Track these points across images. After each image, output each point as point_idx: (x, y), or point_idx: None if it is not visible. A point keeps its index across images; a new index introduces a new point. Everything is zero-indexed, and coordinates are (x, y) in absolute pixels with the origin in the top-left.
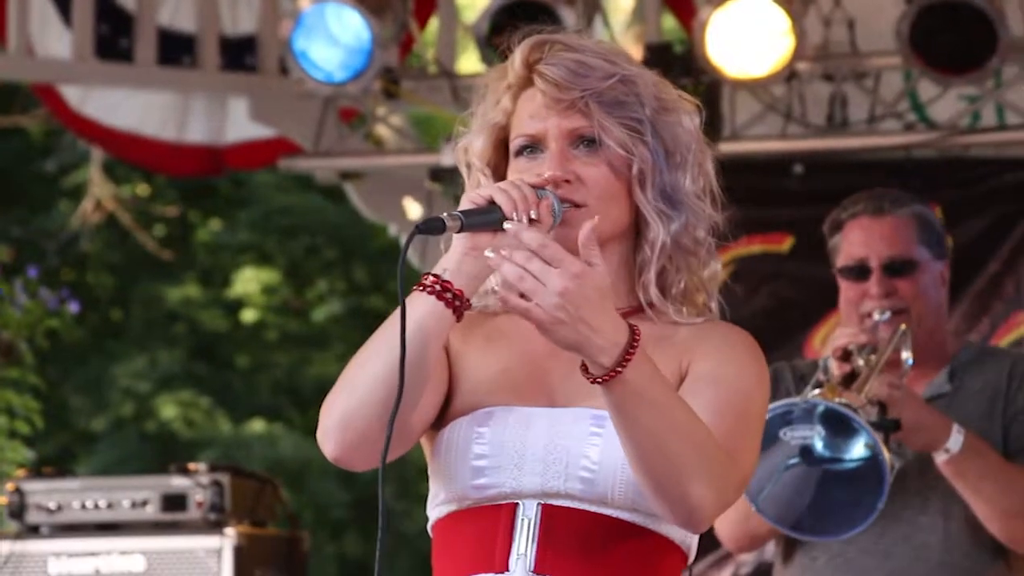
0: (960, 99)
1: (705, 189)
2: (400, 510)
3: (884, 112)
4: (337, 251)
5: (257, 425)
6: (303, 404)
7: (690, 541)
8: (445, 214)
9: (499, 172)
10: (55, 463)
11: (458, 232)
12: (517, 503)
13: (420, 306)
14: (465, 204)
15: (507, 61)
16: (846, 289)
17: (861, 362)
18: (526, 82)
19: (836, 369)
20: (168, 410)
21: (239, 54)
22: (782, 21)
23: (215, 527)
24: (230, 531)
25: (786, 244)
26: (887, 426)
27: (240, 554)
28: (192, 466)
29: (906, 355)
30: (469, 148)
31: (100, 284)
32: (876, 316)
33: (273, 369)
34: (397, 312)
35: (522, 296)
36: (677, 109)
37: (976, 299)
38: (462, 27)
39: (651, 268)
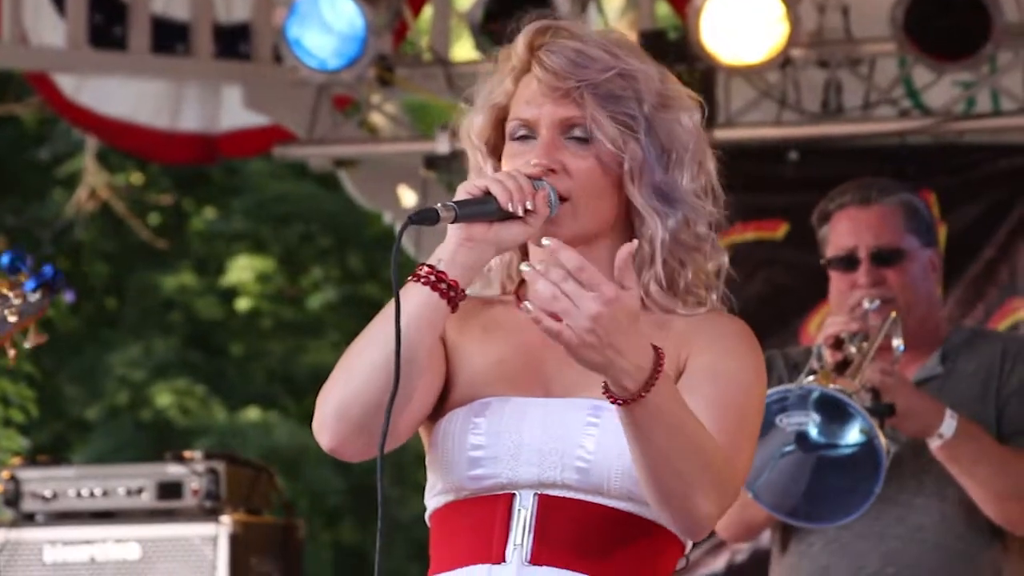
0: (955, 85)
1: (706, 187)
2: (396, 497)
3: (879, 98)
4: (332, 239)
5: (252, 413)
6: (298, 392)
7: None
8: (439, 204)
9: (497, 152)
10: (50, 451)
11: (452, 222)
12: (514, 494)
13: (415, 296)
14: (460, 194)
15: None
16: (836, 280)
17: (853, 349)
18: (528, 66)
19: (829, 357)
20: (163, 398)
21: (233, 42)
22: (776, 7)
23: (211, 515)
24: (226, 519)
25: (781, 231)
26: (882, 411)
27: (236, 542)
28: (188, 454)
29: (897, 342)
30: (470, 125)
31: (95, 273)
32: (866, 304)
33: (268, 357)
34: (392, 303)
35: (552, 315)
36: (677, 106)
37: (971, 285)
38: (456, 14)
39: (652, 266)
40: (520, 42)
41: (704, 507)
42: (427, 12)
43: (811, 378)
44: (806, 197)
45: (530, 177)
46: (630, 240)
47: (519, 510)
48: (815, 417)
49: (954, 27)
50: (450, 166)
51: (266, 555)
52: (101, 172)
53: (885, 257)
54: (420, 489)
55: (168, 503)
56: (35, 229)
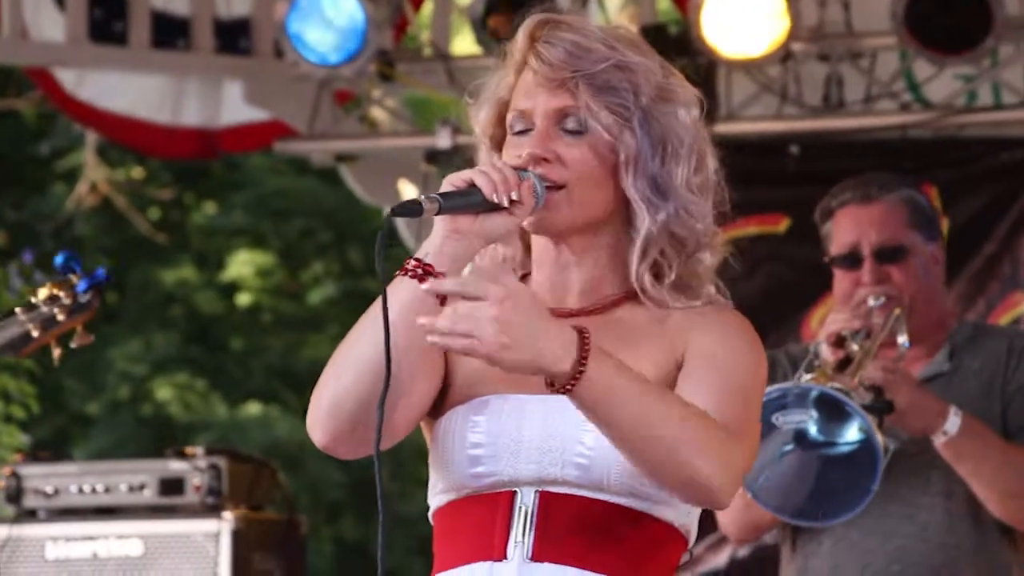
0: (956, 78)
1: (705, 182)
2: (396, 492)
3: (880, 92)
4: (332, 234)
5: (253, 408)
6: (298, 386)
7: (689, 525)
8: (423, 196)
9: (501, 146)
10: (51, 447)
11: (437, 215)
12: (515, 491)
13: (403, 291)
14: (446, 186)
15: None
16: (840, 278)
17: (855, 347)
18: (528, 58)
19: (830, 355)
20: (164, 393)
21: (233, 37)
22: (777, 1)
23: (213, 511)
24: (228, 515)
25: (782, 225)
26: (880, 408)
27: (238, 538)
28: (189, 450)
29: (902, 339)
30: (476, 120)
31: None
32: (871, 302)
33: (268, 352)
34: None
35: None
36: (677, 100)
37: (972, 279)
38: (457, 9)
39: (636, 255)
40: (521, 35)
41: (703, 466)
42: (428, 7)
43: (809, 376)
44: (807, 191)
45: (516, 168)
46: (630, 230)
47: (520, 507)
48: (814, 415)
49: (955, 20)
50: (451, 160)
51: (268, 551)
52: (101, 167)
53: (888, 254)
54: (420, 484)
55: (170, 499)
56: (36, 223)
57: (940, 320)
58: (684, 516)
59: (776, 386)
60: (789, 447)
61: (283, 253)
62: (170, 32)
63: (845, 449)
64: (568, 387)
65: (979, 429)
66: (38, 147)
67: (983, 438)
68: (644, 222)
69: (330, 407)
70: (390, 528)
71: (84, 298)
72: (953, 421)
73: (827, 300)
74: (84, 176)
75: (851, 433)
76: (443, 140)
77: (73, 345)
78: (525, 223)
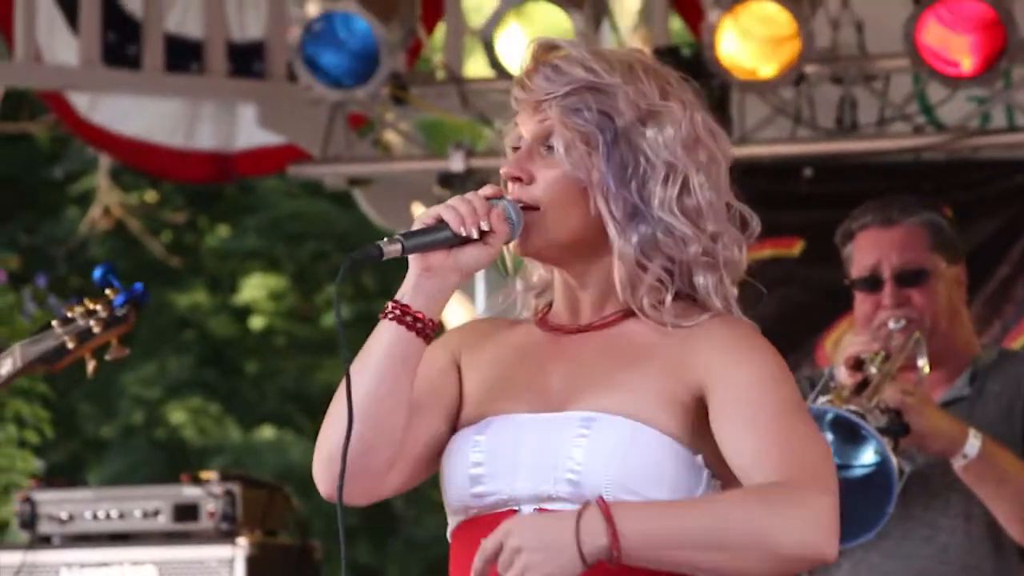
0: (969, 101)
1: (700, 204)
2: (411, 517)
3: (893, 115)
4: (345, 257)
5: (267, 431)
6: (312, 410)
7: None
8: (384, 239)
9: None
10: (65, 471)
11: (401, 255)
12: (516, 509)
13: (384, 334)
14: (417, 224)
15: None
16: (860, 301)
17: (874, 370)
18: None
19: (848, 378)
20: (177, 417)
21: (247, 60)
22: (790, 24)
23: (227, 537)
24: (242, 541)
25: (796, 248)
26: (896, 431)
27: (252, 564)
28: (203, 475)
29: (922, 362)
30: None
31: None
32: (891, 325)
33: (282, 375)
34: (368, 343)
35: None
36: (663, 123)
37: (987, 302)
38: (470, 32)
39: (617, 277)
40: (523, 62)
41: (786, 542)
42: (441, 30)
43: (825, 398)
44: (821, 214)
45: (490, 197)
46: (611, 251)
47: None
48: (829, 437)
49: None
50: (464, 184)
51: None
52: (115, 190)
53: (909, 277)
54: (433, 508)
55: (184, 525)
56: (49, 247)
57: (963, 344)
58: None
59: None
60: None
61: (296, 276)
62: (184, 55)
63: (861, 472)
64: (616, 558)
65: (999, 452)
66: (51, 171)
67: (1003, 461)
68: (616, 244)
69: (327, 459)
70: (402, 551)
71: (120, 312)
72: (972, 444)
73: (842, 323)
74: (97, 200)
75: (867, 456)
76: (456, 163)
77: (108, 358)
78: (513, 249)
